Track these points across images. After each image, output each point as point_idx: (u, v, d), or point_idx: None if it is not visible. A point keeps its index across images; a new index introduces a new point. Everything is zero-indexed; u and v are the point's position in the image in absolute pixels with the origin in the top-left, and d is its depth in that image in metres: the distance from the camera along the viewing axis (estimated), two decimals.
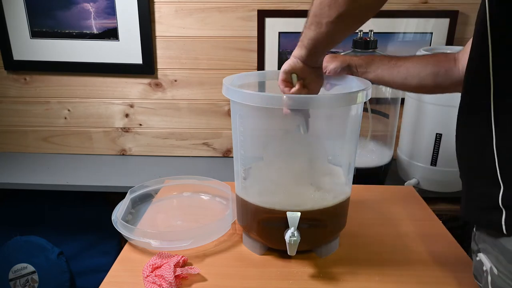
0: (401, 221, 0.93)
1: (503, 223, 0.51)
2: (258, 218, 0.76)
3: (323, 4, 0.58)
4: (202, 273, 0.74)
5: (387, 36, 1.42)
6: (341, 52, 1.27)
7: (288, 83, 0.69)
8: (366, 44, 1.21)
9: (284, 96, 0.65)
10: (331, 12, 0.57)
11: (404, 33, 1.42)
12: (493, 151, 0.51)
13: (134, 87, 1.54)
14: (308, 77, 0.69)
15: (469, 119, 0.57)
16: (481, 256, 0.56)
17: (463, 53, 0.76)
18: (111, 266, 0.77)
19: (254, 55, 1.48)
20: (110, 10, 1.43)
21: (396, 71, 0.80)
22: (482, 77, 0.52)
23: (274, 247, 0.79)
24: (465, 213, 0.59)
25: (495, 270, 0.52)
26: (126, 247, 0.83)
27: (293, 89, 0.68)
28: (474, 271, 0.60)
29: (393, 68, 0.80)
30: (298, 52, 0.67)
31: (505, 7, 0.49)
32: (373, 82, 0.82)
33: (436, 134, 1.22)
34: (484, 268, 0.55)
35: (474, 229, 0.60)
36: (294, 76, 0.68)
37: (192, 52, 1.49)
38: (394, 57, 0.83)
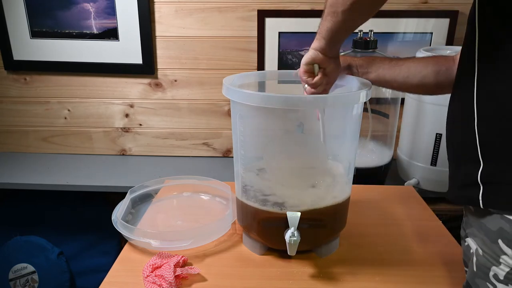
0: (401, 221, 0.93)
1: (480, 198, 0.54)
2: (258, 218, 0.76)
3: None
4: (202, 273, 0.74)
5: (387, 36, 1.42)
6: (341, 52, 1.27)
7: (310, 73, 0.73)
8: (366, 44, 1.21)
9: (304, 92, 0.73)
10: (345, 0, 0.60)
11: (404, 33, 1.42)
12: (474, 131, 0.55)
13: (134, 87, 1.54)
14: (328, 67, 0.72)
15: (456, 105, 0.62)
16: (468, 241, 0.59)
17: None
18: (111, 266, 0.77)
19: (254, 55, 1.48)
20: (110, 10, 1.43)
21: (397, 70, 0.81)
22: (468, 68, 0.57)
23: (274, 247, 0.79)
24: (449, 193, 0.62)
25: (480, 251, 0.55)
26: (126, 247, 0.83)
27: (316, 78, 0.72)
28: (464, 257, 0.62)
29: (395, 68, 0.81)
30: (317, 44, 0.69)
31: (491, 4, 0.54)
32: (374, 82, 0.82)
33: (436, 134, 1.22)
34: (471, 251, 0.57)
35: (463, 217, 0.63)
36: (316, 66, 0.71)
37: (192, 52, 1.49)
38: (394, 58, 0.85)
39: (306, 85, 0.74)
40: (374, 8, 0.62)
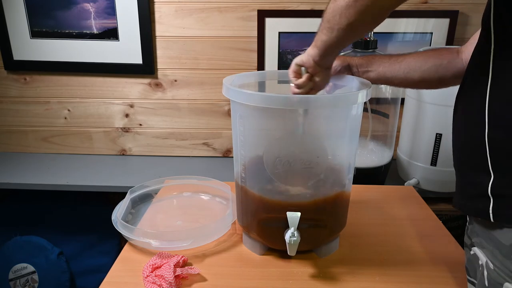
0: (401, 221, 0.93)
1: (490, 211, 0.52)
2: (258, 219, 0.76)
3: (335, 12, 0.60)
4: (202, 273, 0.74)
5: (387, 36, 1.42)
6: (341, 52, 1.27)
7: (298, 74, 0.74)
8: (366, 44, 1.20)
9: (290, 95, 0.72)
10: (341, 20, 0.60)
11: (404, 33, 1.42)
12: (485, 141, 0.52)
13: (134, 87, 1.54)
14: (317, 75, 0.73)
15: (464, 108, 0.59)
16: (476, 251, 0.57)
17: (466, 46, 0.77)
18: (111, 266, 0.77)
19: (254, 55, 1.48)
20: (110, 10, 1.43)
21: (397, 67, 0.80)
22: (481, 72, 0.54)
23: (274, 247, 0.79)
24: (456, 201, 0.61)
25: (491, 265, 0.53)
26: (126, 247, 0.83)
27: (300, 80, 0.73)
28: (467, 265, 0.61)
29: (395, 64, 0.81)
30: (311, 51, 0.70)
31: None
32: (375, 81, 0.82)
33: (436, 134, 1.22)
34: (480, 262, 0.55)
35: (467, 223, 0.61)
36: (303, 69, 0.73)
37: (192, 52, 1.49)
38: (394, 54, 0.83)
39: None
40: (369, 28, 0.63)
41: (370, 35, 1.21)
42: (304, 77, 0.73)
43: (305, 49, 0.72)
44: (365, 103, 0.73)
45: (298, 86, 0.74)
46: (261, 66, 1.48)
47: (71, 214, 1.59)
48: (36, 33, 1.47)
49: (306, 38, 1.44)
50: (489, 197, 0.52)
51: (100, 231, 1.59)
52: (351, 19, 0.59)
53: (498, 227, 0.52)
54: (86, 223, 1.59)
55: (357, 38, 0.66)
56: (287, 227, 0.70)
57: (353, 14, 0.58)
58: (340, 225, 0.81)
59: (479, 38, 0.58)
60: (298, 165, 0.72)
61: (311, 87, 0.74)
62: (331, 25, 0.62)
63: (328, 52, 0.68)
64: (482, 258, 0.55)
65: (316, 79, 0.73)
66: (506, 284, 0.50)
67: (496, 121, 0.52)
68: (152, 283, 0.70)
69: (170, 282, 0.69)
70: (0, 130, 1.62)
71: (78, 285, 1.60)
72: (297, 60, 0.73)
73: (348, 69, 0.83)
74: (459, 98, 0.62)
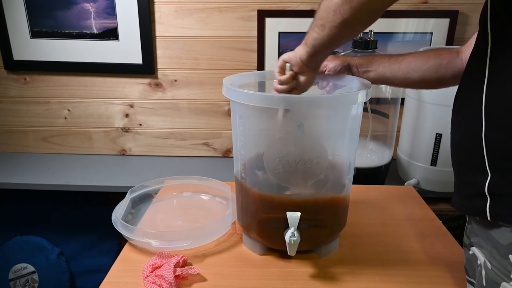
0: (401, 221, 0.93)
1: (487, 210, 0.52)
2: (258, 218, 0.76)
3: (328, 9, 0.60)
4: (202, 273, 0.74)
5: (387, 36, 1.42)
6: (341, 52, 1.27)
7: (283, 70, 0.73)
8: (366, 44, 1.21)
9: (281, 96, 0.71)
10: (335, 17, 0.59)
11: (404, 33, 1.42)
12: (482, 140, 0.53)
13: (134, 87, 1.54)
14: (302, 75, 0.73)
15: (462, 108, 0.60)
16: (475, 250, 0.57)
17: (466, 46, 0.77)
18: (111, 266, 0.77)
19: (254, 55, 1.48)
20: (110, 10, 1.43)
21: (397, 67, 0.80)
22: (479, 68, 0.54)
23: (274, 247, 0.79)
24: (454, 201, 0.61)
25: (489, 264, 0.53)
26: (126, 247, 0.83)
27: (283, 76, 0.73)
28: (466, 265, 0.61)
29: (394, 64, 0.81)
30: (300, 50, 0.69)
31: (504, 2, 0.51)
32: (375, 81, 0.82)
33: (436, 134, 1.22)
34: (478, 262, 0.55)
35: (467, 223, 0.61)
36: (288, 66, 0.73)
37: (192, 52, 1.49)
38: (394, 54, 0.83)
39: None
40: (362, 28, 0.62)
41: (370, 35, 1.21)
42: (288, 74, 0.72)
43: None
44: (365, 103, 0.73)
45: (280, 82, 0.73)
46: (261, 66, 1.48)
47: (71, 214, 1.59)
48: (36, 33, 1.47)
49: None
50: (486, 196, 0.52)
51: (100, 231, 1.59)
52: (345, 15, 0.58)
53: (496, 227, 0.52)
54: (86, 223, 1.59)
55: (348, 39, 0.65)
56: (287, 227, 0.70)
57: (348, 10, 0.57)
58: (340, 225, 0.81)
59: (476, 38, 0.58)
60: (298, 165, 0.72)
61: (294, 85, 0.74)
62: (324, 22, 0.61)
63: (317, 51, 0.67)
64: (481, 258, 0.55)
65: (301, 78, 0.73)
66: (504, 283, 0.50)
67: (492, 121, 0.52)
68: (152, 283, 0.70)
69: (170, 282, 0.69)
70: (0, 130, 1.62)
71: (78, 285, 1.60)
72: (284, 56, 0.72)
73: (348, 69, 0.83)
74: (457, 98, 0.62)
